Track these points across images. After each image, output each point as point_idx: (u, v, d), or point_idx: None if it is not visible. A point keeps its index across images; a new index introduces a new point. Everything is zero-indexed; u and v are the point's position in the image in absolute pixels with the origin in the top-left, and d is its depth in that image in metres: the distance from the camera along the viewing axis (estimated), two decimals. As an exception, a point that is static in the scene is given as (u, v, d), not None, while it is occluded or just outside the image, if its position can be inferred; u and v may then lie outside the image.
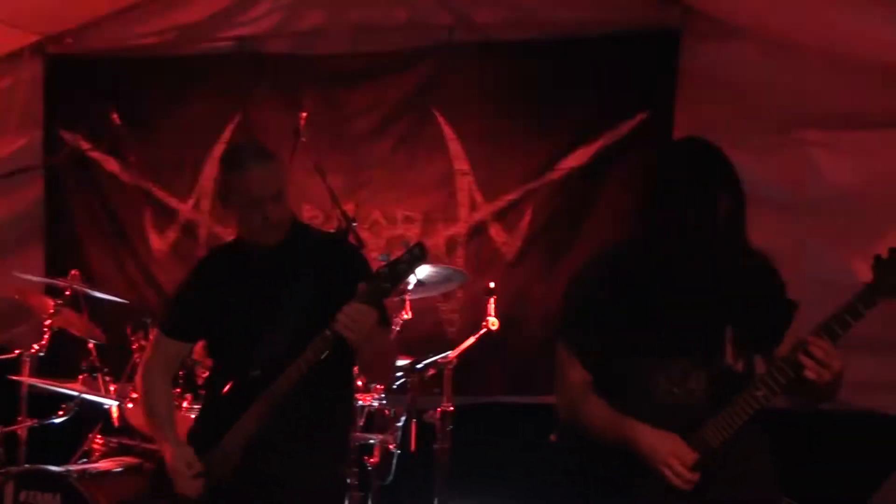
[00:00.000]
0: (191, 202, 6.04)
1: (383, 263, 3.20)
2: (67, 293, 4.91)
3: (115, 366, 5.02)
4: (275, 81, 5.95)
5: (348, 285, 3.22)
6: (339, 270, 3.41)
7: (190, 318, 3.58)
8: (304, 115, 4.89)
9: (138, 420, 4.69)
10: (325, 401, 3.40)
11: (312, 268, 3.42)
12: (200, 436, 3.48)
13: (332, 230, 4.87)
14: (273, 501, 3.33)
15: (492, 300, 4.83)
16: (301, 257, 3.45)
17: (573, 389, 3.05)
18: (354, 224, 4.71)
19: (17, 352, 4.86)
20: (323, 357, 3.24)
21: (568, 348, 3.06)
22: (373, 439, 4.72)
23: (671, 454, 2.84)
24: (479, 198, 5.73)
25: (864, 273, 2.75)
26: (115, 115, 4.96)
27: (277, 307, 3.41)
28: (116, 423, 4.89)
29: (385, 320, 3.40)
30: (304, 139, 4.89)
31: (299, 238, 3.49)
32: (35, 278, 5.11)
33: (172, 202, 6.08)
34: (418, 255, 3.21)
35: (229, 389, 3.43)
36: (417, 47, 5.78)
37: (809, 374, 2.73)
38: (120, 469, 4.65)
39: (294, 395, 3.27)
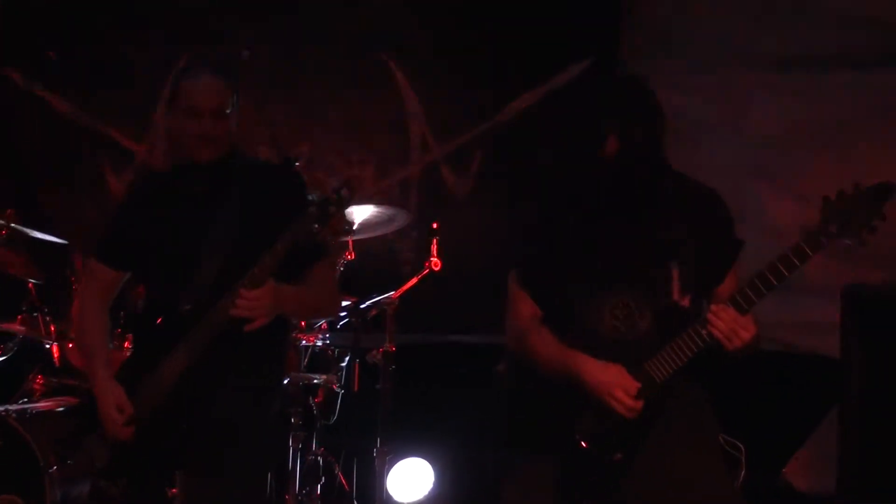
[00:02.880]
0: (145, 145, 6.03)
1: (311, 203, 3.18)
2: (3, 233, 4.88)
3: (56, 305, 5.04)
4: (220, 19, 5.90)
5: (281, 215, 3.22)
6: (273, 199, 3.40)
7: (121, 243, 3.57)
8: (247, 52, 4.89)
9: (79, 360, 4.72)
10: (258, 336, 3.37)
11: (244, 195, 3.41)
12: (133, 369, 3.48)
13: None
14: (205, 437, 3.31)
15: (435, 241, 4.89)
16: (233, 184, 3.44)
17: (522, 321, 3.14)
18: (297, 163, 4.73)
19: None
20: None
21: (518, 281, 3.14)
22: (316, 379, 4.79)
23: (614, 384, 2.94)
24: (430, 140, 5.78)
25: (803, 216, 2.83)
26: (51, 53, 4.91)
27: (208, 236, 3.40)
28: (57, 364, 4.92)
29: (320, 253, 3.40)
30: (247, 78, 4.89)
31: (234, 164, 3.48)
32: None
33: (128, 144, 6.07)
34: (346, 196, 3.18)
35: (161, 322, 3.45)
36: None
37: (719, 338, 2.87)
38: (61, 409, 4.68)
39: (227, 328, 3.27)
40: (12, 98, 6.10)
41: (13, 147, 6.18)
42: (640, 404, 2.94)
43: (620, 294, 3.04)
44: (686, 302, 3.03)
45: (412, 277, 4.93)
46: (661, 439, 3.01)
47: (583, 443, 3.02)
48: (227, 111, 3.39)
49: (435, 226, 4.93)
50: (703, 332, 2.91)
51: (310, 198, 3.21)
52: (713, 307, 2.91)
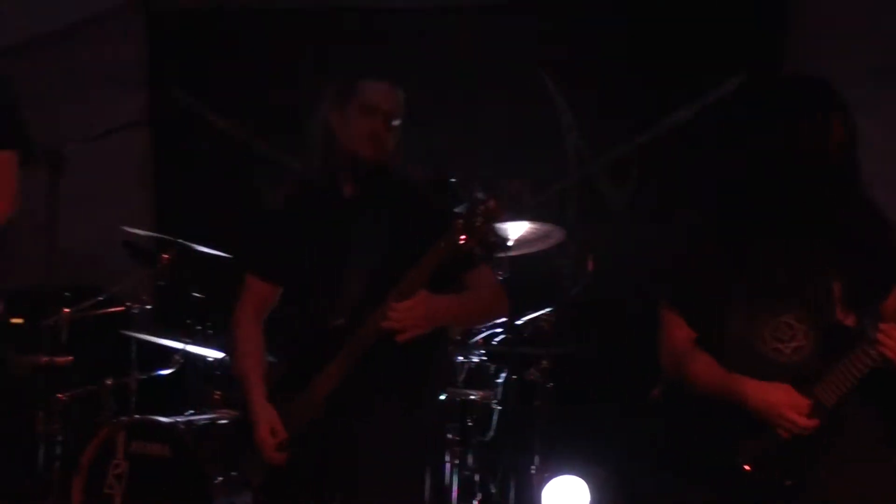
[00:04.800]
0: (302, 159, 6.17)
1: (458, 215, 3.17)
2: (174, 247, 5.08)
3: (219, 318, 5.21)
4: (375, 35, 6.02)
5: (431, 230, 3.22)
6: (423, 214, 3.42)
7: (274, 257, 3.63)
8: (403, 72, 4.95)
9: (239, 372, 4.87)
10: (412, 350, 3.37)
11: (395, 211, 3.42)
12: (287, 385, 3.52)
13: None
14: (359, 454, 3.36)
15: (592, 257, 4.90)
16: (385, 199, 3.45)
17: (677, 345, 3.10)
18: (454, 180, 4.80)
19: (126, 305, 5.06)
20: None
21: (671, 305, 3.10)
22: (473, 395, 4.83)
23: (784, 403, 2.88)
24: (586, 154, 5.79)
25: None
26: (219, 71, 5.09)
27: (358, 251, 3.42)
28: (220, 375, 5.10)
29: (470, 264, 3.38)
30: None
31: (392, 183, 3.50)
32: (143, 232, 5.29)
33: (285, 158, 6.24)
34: (493, 207, 3.15)
35: (313, 338, 3.48)
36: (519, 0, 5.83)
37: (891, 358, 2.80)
38: (224, 421, 4.84)
39: (380, 343, 3.28)
40: (175, 115, 6.36)
41: (179, 163, 6.44)
42: (813, 423, 2.89)
43: (781, 314, 2.98)
44: (850, 320, 2.96)
45: (569, 293, 4.94)
46: (833, 465, 2.94)
47: (746, 466, 2.99)
48: (398, 121, 3.44)
49: (593, 240, 4.94)
50: (873, 352, 2.83)
51: (456, 210, 3.23)
52: (882, 325, 2.82)
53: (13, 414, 5.12)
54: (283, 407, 3.46)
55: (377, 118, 3.39)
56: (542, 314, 4.86)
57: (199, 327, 5.11)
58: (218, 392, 5.06)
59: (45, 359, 4.72)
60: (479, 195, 3.17)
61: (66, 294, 5.10)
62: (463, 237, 3.15)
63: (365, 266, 3.41)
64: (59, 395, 4.79)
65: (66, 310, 4.91)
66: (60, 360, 4.76)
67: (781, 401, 2.89)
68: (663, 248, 5.22)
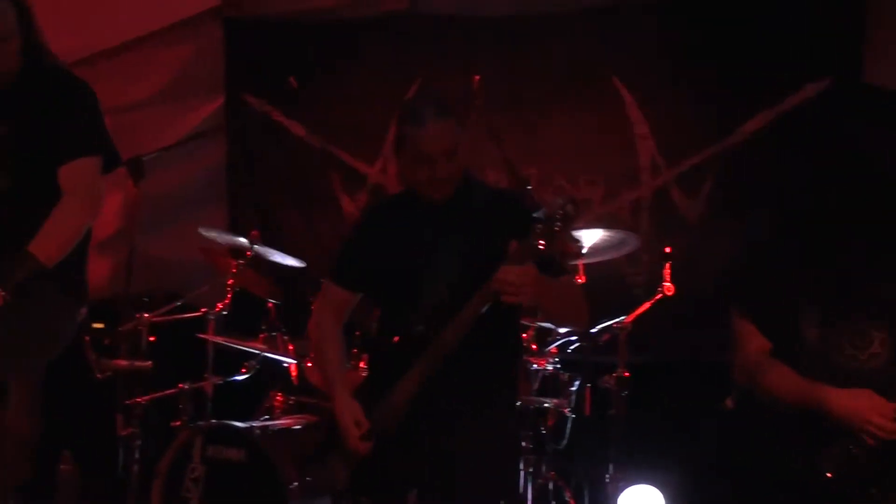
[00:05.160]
0: (377, 166, 6.24)
1: (536, 220, 3.18)
2: (248, 254, 5.14)
3: (293, 325, 5.26)
4: (447, 44, 6.08)
5: (509, 238, 3.25)
6: (501, 222, 3.43)
7: (354, 265, 3.68)
8: (477, 78, 4.97)
9: (316, 378, 4.92)
10: (491, 356, 3.44)
11: (477, 221, 3.46)
12: (368, 390, 3.59)
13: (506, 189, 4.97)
14: (441, 457, 3.39)
15: (668, 265, 4.86)
16: (467, 211, 3.49)
17: (752, 356, 3.08)
18: (529, 188, 4.81)
19: (202, 311, 5.12)
20: (484, 311, 3.30)
21: (745, 315, 3.08)
22: (547, 403, 4.83)
23: (868, 409, 2.85)
24: (660, 161, 5.77)
25: None
26: (292, 79, 5.13)
27: (439, 259, 3.46)
28: (295, 381, 5.17)
29: (556, 271, 3.39)
30: (478, 102, 4.97)
31: (468, 193, 3.54)
32: (218, 238, 5.36)
33: (360, 166, 6.29)
34: (571, 213, 3.16)
35: (395, 344, 3.53)
36: (591, 8, 5.84)
37: None
38: (299, 426, 4.90)
39: (460, 350, 3.32)
40: (250, 123, 6.43)
41: (253, 170, 6.51)
42: None
43: (858, 322, 2.96)
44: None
45: (643, 302, 4.91)
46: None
47: (829, 474, 2.96)
48: (456, 150, 3.44)
49: (668, 250, 4.91)
50: None
51: (535, 216, 3.23)
52: None
53: (94, 417, 5.22)
54: (366, 409, 3.49)
55: (433, 163, 3.42)
56: (617, 322, 4.84)
57: (274, 333, 5.16)
58: (292, 397, 5.12)
59: (125, 363, 4.79)
60: (559, 200, 3.19)
61: (145, 300, 5.18)
62: (542, 242, 3.17)
63: (444, 274, 3.45)
64: (139, 399, 4.86)
65: (146, 315, 4.99)
66: (140, 364, 4.83)
67: (867, 406, 2.87)
68: (737, 258, 5.25)
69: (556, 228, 3.16)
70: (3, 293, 3.24)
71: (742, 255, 5.32)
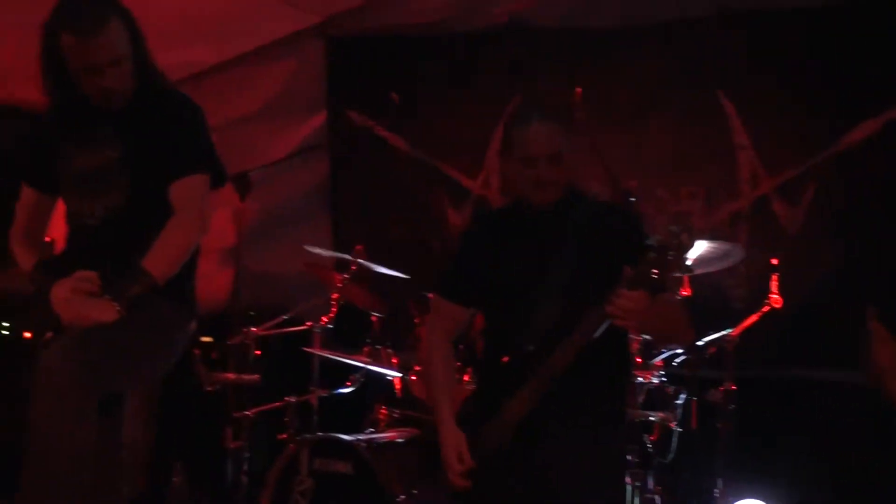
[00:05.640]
0: (480, 179, 6.26)
1: (651, 248, 3.19)
2: (353, 268, 5.19)
3: (397, 338, 5.30)
4: (548, 57, 6.08)
5: (619, 255, 3.26)
6: (610, 239, 3.45)
7: (463, 280, 3.72)
8: (579, 90, 4.96)
9: (420, 392, 4.95)
10: (601, 375, 3.45)
11: (581, 235, 3.47)
12: (476, 408, 3.60)
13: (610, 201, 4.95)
14: (548, 473, 3.39)
15: (774, 277, 4.79)
16: (574, 224, 3.50)
17: (882, 361, 3.03)
18: (633, 199, 4.78)
19: (308, 324, 5.18)
20: (599, 332, 3.30)
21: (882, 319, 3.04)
22: (653, 417, 4.78)
23: None
24: (761, 172, 5.69)
25: None
26: (394, 95, 5.18)
27: (549, 276, 3.47)
28: (399, 394, 5.18)
29: (660, 289, 3.34)
30: (579, 115, 4.97)
31: (574, 204, 3.55)
32: (323, 252, 5.42)
33: (463, 179, 6.32)
34: (686, 243, 3.18)
35: (505, 362, 3.53)
36: (693, 19, 5.79)
37: None
38: (403, 440, 4.92)
39: (570, 369, 3.33)
40: (353, 138, 6.50)
41: (357, 185, 6.57)
42: None
43: None
44: None
45: (747, 314, 4.85)
46: None
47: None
48: (561, 155, 3.46)
49: (775, 262, 4.84)
50: None
51: (648, 242, 3.23)
52: None
53: (204, 429, 5.31)
54: (473, 427, 3.52)
55: (538, 166, 3.44)
56: (724, 335, 4.78)
57: (378, 346, 5.20)
58: (396, 410, 5.15)
59: (233, 376, 4.87)
60: (673, 228, 3.19)
61: (252, 314, 5.26)
62: (655, 270, 3.17)
63: (554, 291, 3.46)
64: (247, 412, 4.93)
65: (253, 329, 5.06)
66: (248, 377, 4.91)
67: None
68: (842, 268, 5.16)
69: (670, 258, 3.17)
70: (117, 308, 3.32)
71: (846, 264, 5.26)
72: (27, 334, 4.64)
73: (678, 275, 4.71)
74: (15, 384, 4.98)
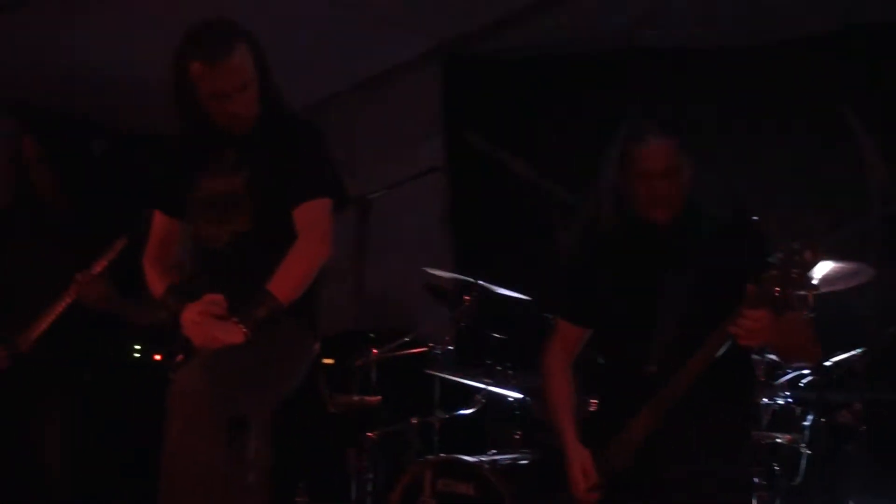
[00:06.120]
0: (593, 200, 6.23)
1: (773, 266, 3.16)
2: (473, 289, 5.21)
3: (520, 359, 5.31)
4: (669, 77, 6.05)
5: (743, 275, 3.23)
6: (731, 257, 3.43)
7: (581, 300, 3.76)
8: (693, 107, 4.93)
9: (543, 413, 4.94)
10: (724, 395, 3.43)
11: (706, 254, 3.47)
12: (599, 428, 3.62)
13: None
14: (674, 494, 3.38)
15: (908, 296, 4.70)
16: (693, 242, 3.51)
17: None
18: (756, 219, 4.72)
19: (429, 346, 5.23)
20: (722, 352, 3.29)
21: None
22: (779, 438, 4.71)
23: None
24: (891, 189, 5.58)
25: None
26: (515, 115, 5.21)
27: (669, 295, 3.48)
28: (521, 416, 5.19)
29: (784, 307, 3.30)
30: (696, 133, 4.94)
31: (693, 222, 3.56)
32: (445, 274, 5.46)
33: (576, 200, 6.30)
34: (809, 260, 3.14)
35: (626, 382, 3.56)
36: (817, 35, 5.73)
37: None
38: (526, 462, 4.91)
39: (693, 389, 3.32)
40: (470, 160, 6.54)
41: (477, 206, 6.62)
42: None
43: None
44: None
45: (877, 334, 4.76)
46: None
47: None
48: (677, 170, 3.48)
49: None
50: None
51: (770, 260, 3.20)
52: None
53: (328, 450, 5.40)
54: (596, 447, 3.54)
55: (654, 181, 3.46)
56: (854, 355, 4.69)
57: (500, 367, 5.21)
58: (518, 432, 5.15)
59: (356, 398, 4.94)
60: (796, 245, 3.15)
61: (373, 335, 5.33)
62: (777, 289, 3.14)
63: (675, 309, 3.46)
64: (369, 434, 4.99)
65: (375, 351, 5.13)
66: (370, 399, 4.97)
67: None
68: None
69: (794, 275, 3.14)
70: (244, 330, 3.41)
71: None
72: (157, 357, 4.81)
73: (803, 293, 4.64)
74: (145, 406, 5.15)
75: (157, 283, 3.71)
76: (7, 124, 5.53)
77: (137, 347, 5.25)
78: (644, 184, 3.48)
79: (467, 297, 5.20)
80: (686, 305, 3.44)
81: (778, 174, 5.79)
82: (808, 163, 5.76)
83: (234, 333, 3.40)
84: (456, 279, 5.40)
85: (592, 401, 4.70)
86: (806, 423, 4.77)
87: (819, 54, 5.74)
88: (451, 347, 5.17)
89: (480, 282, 5.20)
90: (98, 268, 4.25)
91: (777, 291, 3.14)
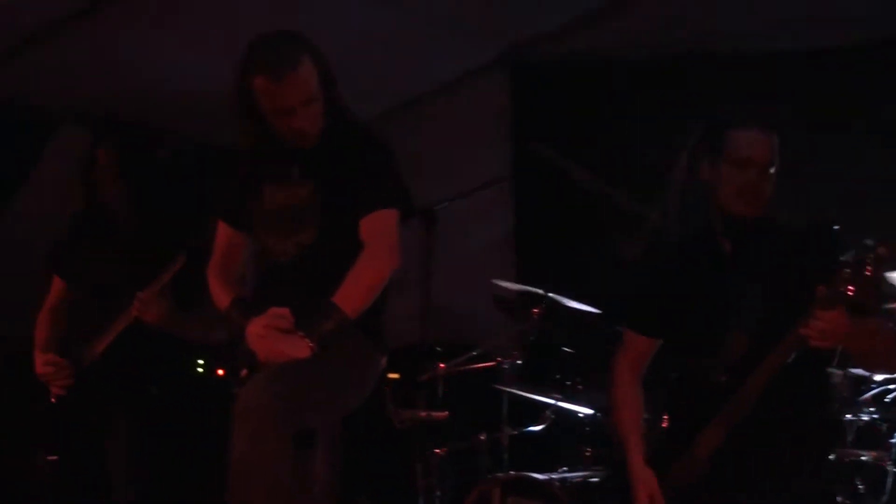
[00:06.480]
0: (659, 208, 6.16)
1: (845, 264, 3.08)
2: (542, 302, 5.15)
3: (589, 374, 5.24)
4: (733, 81, 5.93)
5: (813, 280, 3.15)
6: (805, 263, 3.35)
7: (655, 311, 3.68)
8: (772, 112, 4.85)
9: (613, 429, 4.87)
10: (799, 405, 3.35)
11: (775, 261, 3.40)
12: (666, 443, 3.58)
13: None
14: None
15: None
16: (763, 248, 3.44)
17: None
18: (836, 227, 4.62)
19: (497, 360, 5.17)
20: (792, 359, 3.21)
21: None
22: (864, 456, 4.60)
23: None
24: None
25: None
26: (584, 122, 5.16)
27: (740, 304, 3.40)
28: (592, 433, 5.11)
29: (868, 313, 3.23)
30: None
31: (771, 225, 3.48)
32: (513, 287, 5.42)
33: (642, 209, 6.23)
34: (884, 255, 3.04)
35: (695, 394, 3.49)
36: (887, 38, 5.61)
37: None
38: (597, 480, 4.83)
39: (766, 398, 3.25)
40: (536, 168, 6.48)
41: (542, 216, 6.56)
42: None
43: None
44: None
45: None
46: None
47: None
48: (773, 169, 3.40)
49: None
50: None
51: (842, 259, 3.12)
52: None
53: (394, 466, 5.36)
54: (663, 462, 3.48)
55: (750, 171, 3.37)
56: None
57: (569, 382, 5.15)
58: (589, 449, 5.08)
59: (423, 413, 4.91)
60: (868, 242, 3.07)
61: (439, 350, 5.29)
62: (850, 287, 3.05)
63: (746, 322, 3.38)
64: (436, 450, 4.95)
65: (441, 365, 5.09)
66: (437, 414, 4.93)
67: None
68: None
69: (867, 272, 3.04)
70: (310, 344, 3.38)
71: None
72: (220, 372, 4.80)
73: (884, 292, 4.53)
74: (208, 422, 5.14)
75: (221, 296, 3.69)
76: (82, 135, 5.58)
77: (200, 362, 5.24)
78: (740, 173, 3.38)
79: (536, 310, 5.15)
80: (759, 313, 3.37)
81: (860, 180, 5.66)
82: (888, 167, 5.64)
83: (299, 348, 3.38)
84: (524, 291, 5.34)
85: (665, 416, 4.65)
86: (893, 441, 4.65)
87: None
88: (519, 362, 5.12)
89: (550, 294, 5.13)
90: (157, 286, 4.24)
91: (850, 291, 3.05)
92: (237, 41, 3.51)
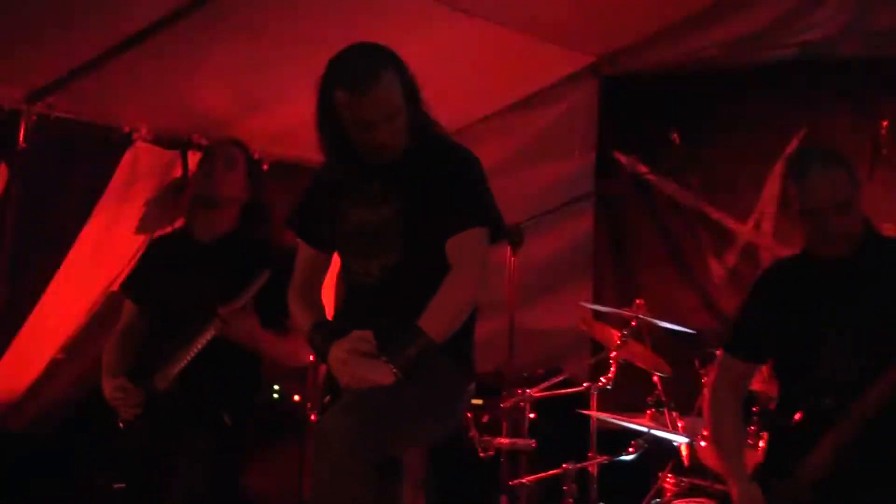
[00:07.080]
0: (750, 223, 6.02)
1: None
2: (633, 323, 5.03)
3: (682, 400, 5.10)
4: (844, 88, 5.76)
5: None
6: None
7: (755, 335, 3.60)
8: (885, 123, 4.73)
9: (710, 459, 4.74)
10: None
11: (883, 283, 3.34)
12: (769, 468, 3.49)
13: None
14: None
15: None
16: (871, 272, 3.37)
17: None
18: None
19: (585, 385, 5.07)
20: None
21: None
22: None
23: None
24: None
25: None
26: (675, 135, 5.06)
27: (849, 325, 3.35)
28: (686, 462, 4.98)
29: None
30: (884, 151, 4.75)
31: (872, 251, 3.41)
32: (600, 308, 5.32)
33: (730, 224, 6.10)
34: None
35: (800, 418, 3.41)
36: None
37: None
38: (690, 511, 4.70)
39: (873, 422, 3.19)
40: (619, 182, 6.37)
41: (621, 234, 6.44)
42: None
43: None
44: None
45: None
46: None
47: None
48: (849, 203, 3.34)
49: None
50: None
51: None
52: None
53: (479, 497, 5.26)
54: (766, 493, 3.40)
55: (823, 217, 3.34)
56: None
57: (662, 409, 5.02)
58: (684, 479, 4.93)
59: (507, 441, 4.82)
60: None
61: (525, 375, 5.20)
62: None
63: (851, 341, 3.34)
64: (522, 479, 4.86)
65: (527, 391, 4.99)
66: (522, 442, 4.85)
67: None
68: None
69: None
70: (394, 370, 3.29)
71: None
72: (296, 397, 4.73)
73: None
74: (284, 447, 5.09)
75: (302, 318, 3.61)
76: (172, 157, 5.61)
77: (276, 388, 5.20)
78: (813, 221, 3.35)
79: (625, 332, 5.03)
80: (863, 335, 3.33)
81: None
82: None
83: (383, 373, 3.28)
84: (613, 313, 5.22)
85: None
86: None
87: None
88: (609, 387, 4.99)
89: (640, 315, 5.01)
90: (241, 302, 4.17)
91: None
92: (321, 57, 3.43)
